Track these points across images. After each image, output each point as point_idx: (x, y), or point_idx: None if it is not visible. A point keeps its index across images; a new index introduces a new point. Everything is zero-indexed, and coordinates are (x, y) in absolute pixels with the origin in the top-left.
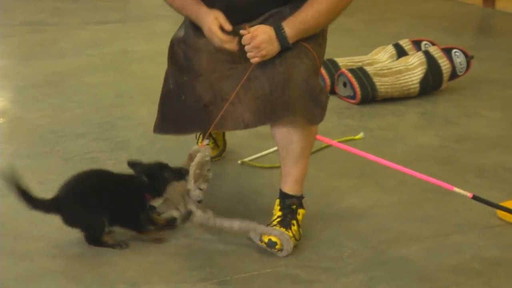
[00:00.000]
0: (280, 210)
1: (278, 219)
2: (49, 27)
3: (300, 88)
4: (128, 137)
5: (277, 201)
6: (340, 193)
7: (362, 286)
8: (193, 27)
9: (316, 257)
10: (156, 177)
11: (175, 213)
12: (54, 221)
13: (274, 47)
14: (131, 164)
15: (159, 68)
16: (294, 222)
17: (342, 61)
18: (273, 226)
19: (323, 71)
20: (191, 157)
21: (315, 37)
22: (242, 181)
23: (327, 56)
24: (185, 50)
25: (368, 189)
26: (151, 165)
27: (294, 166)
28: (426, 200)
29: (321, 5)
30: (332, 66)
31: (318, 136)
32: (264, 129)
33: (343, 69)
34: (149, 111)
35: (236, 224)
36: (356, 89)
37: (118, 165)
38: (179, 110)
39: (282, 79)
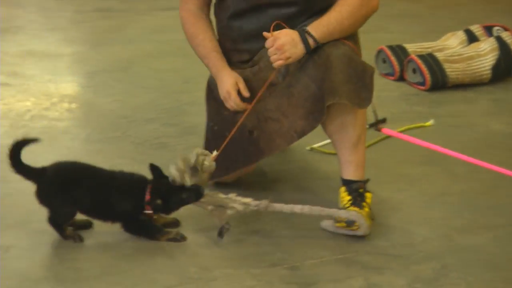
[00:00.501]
0: (348, 194)
1: (350, 202)
2: (119, 14)
3: (342, 72)
4: (197, 122)
5: (342, 188)
6: (409, 180)
7: (434, 273)
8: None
9: (386, 244)
10: (171, 197)
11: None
12: None
13: (298, 50)
14: (153, 167)
15: None
16: (365, 204)
17: (411, 47)
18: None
19: (391, 57)
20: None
21: (348, 37)
22: (310, 168)
23: (395, 42)
24: None
25: (437, 176)
26: (168, 184)
27: (352, 153)
28: (497, 188)
29: (344, 8)
30: (401, 52)
31: (384, 130)
32: None
33: (413, 55)
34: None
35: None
36: (425, 76)
37: (188, 150)
38: (225, 149)
39: (323, 70)
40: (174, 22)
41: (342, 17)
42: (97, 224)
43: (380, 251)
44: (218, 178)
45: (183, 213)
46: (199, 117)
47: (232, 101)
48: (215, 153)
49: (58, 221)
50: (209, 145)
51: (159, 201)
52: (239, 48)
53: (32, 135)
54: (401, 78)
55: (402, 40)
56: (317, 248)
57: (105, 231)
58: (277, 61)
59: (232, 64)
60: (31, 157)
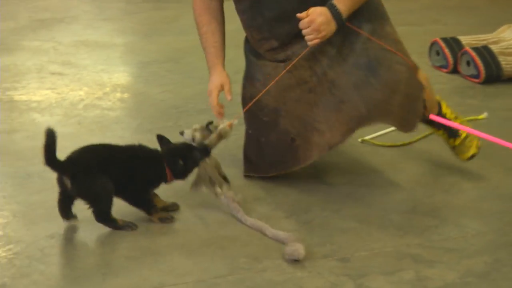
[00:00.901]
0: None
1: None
2: (171, 5)
3: (398, 99)
4: None
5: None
6: (463, 173)
7: (487, 267)
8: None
9: (438, 237)
10: (186, 157)
11: (205, 189)
12: (180, 197)
13: (331, 27)
14: (160, 137)
15: None
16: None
17: (465, 40)
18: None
19: (445, 49)
20: (219, 137)
21: (387, 34)
22: (362, 160)
23: (450, 34)
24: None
25: (492, 170)
26: (179, 145)
27: None
28: None
29: None
30: (455, 45)
31: (432, 116)
32: None
33: (467, 48)
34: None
35: (264, 228)
36: (480, 68)
37: (239, 140)
38: (258, 154)
39: (379, 94)
40: (227, 13)
41: None
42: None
43: (431, 244)
44: (251, 174)
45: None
46: None
47: (211, 100)
48: (233, 120)
49: (104, 209)
50: (247, 150)
51: (180, 162)
52: (266, 36)
53: (84, 124)
54: (455, 71)
55: (458, 32)
56: (368, 240)
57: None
58: (314, 40)
59: (264, 53)
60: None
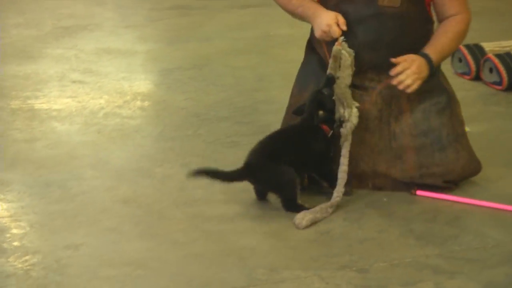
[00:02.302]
0: None
1: None
2: (196, 11)
3: (451, 177)
4: (270, 121)
5: None
6: (486, 181)
7: (508, 278)
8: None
9: (459, 248)
10: (321, 101)
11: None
12: (200, 207)
13: (426, 72)
14: (297, 111)
15: (301, 52)
16: None
17: (488, 46)
18: None
19: (468, 56)
20: (334, 58)
21: (459, 113)
22: None
23: (473, 40)
24: None
25: None
26: (309, 100)
27: None
28: None
29: (453, 34)
30: (478, 51)
31: (419, 192)
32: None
33: (490, 55)
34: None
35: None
36: (503, 75)
37: None
38: None
39: (437, 172)
40: (251, 19)
41: (452, 42)
42: (161, 223)
43: (452, 255)
44: None
45: (254, 213)
46: (273, 116)
47: (333, 31)
48: (339, 41)
49: (289, 197)
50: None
51: (320, 112)
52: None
53: (104, 132)
54: (477, 78)
55: (482, 38)
56: (387, 250)
57: (174, 230)
58: (412, 86)
59: None
60: (105, 154)
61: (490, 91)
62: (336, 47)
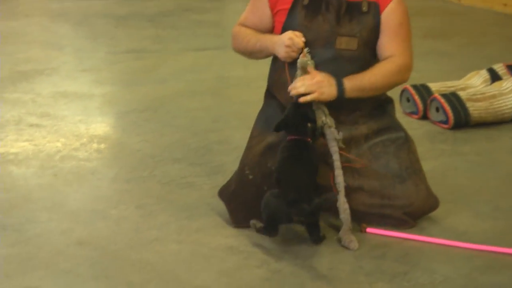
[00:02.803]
0: None
1: None
2: (151, 54)
3: (411, 210)
4: (224, 161)
5: None
6: (434, 218)
7: None
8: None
9: (408, 284)
10: (305, 114)
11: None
12: (155, 248)
13: (332, 91)
14: (280, 126)
15: (255, 93)
16: None
17: (435, 86)
18: None
19: (415, 96)
20: (302, 70)
21: (415, 150)
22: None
23: (423, 80)
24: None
25: (462, 214)
26: (291, 112)
27: None
28: None
29: (379, 71)
30: (425, 91)
31: (369, 229)
32: None
33: (436, 94)
34: (245, 136)
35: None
36: (448, 114)
37: (214, 189)
38: (254, 201)
39: (399, 204)
40: (205, 61)
41: (375, 78)
42: (116, 264)
43: None
44: (243, 224)
45: (208, 252)
46: (227, 156)
47: (297, 42)
48: (304, 51)
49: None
50: (235, 193)
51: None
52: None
53: (60, 175)
54: (425, 117)
55: (430, 78)
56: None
57: (129, 271)
58: (313, 93)
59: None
60: (61, 197)
61: (437, 130)
62: (302, 58)
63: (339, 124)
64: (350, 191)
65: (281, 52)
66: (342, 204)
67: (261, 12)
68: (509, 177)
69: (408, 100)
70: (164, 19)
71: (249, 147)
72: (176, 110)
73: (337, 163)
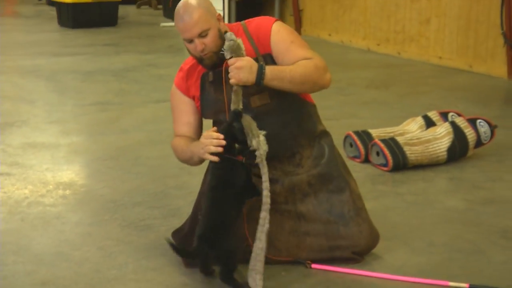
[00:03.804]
0: None
1: None
2: (114, 106)
3: (358, 250)
4: (180, 204)
5: None
6: (374, 254)
7: None
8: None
9: None
10: (234, 135)
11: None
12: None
13: (251, 77)
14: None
15: None
16: None
17: (375, 132)
18: None
19: (357, 141)
20: (236, 93)
21: (356, 188)
22: None
23: (364, 127)
24: None
25: (399, 250)
26: (222, 133)
27: None
28: (452, 260)
29: (298, 65)
30: (366, 137)
31: (314, 266)
32: None
33: (376, 140)
34: (201, 180)
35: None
36: (388, 158)
37: (171, 231)
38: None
39: (344, 245)
40: (165, 113)
41: (295, 72)
42: None
43: None
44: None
45: None
46: (183, 200)
47: (214, 135)
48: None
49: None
50: (187, 236)
51: (236, 145)
52: None
53: (27, 220)
54: (367, 160)
55: (371, 125)
56: None
57: None
58: (232, 78)
59: None
60: (27, 240)
61: (378, 172)
62: (228, 42)
63: (282, 173)
64: (297, 239)
65: (202, 149)
66: (258, 243)
67: (184, 107)
68: (442, 215)
69: (351, 145)
70: (128, 73)
71: (201, 192)
72: (137, 158)
73: (265, 184)
